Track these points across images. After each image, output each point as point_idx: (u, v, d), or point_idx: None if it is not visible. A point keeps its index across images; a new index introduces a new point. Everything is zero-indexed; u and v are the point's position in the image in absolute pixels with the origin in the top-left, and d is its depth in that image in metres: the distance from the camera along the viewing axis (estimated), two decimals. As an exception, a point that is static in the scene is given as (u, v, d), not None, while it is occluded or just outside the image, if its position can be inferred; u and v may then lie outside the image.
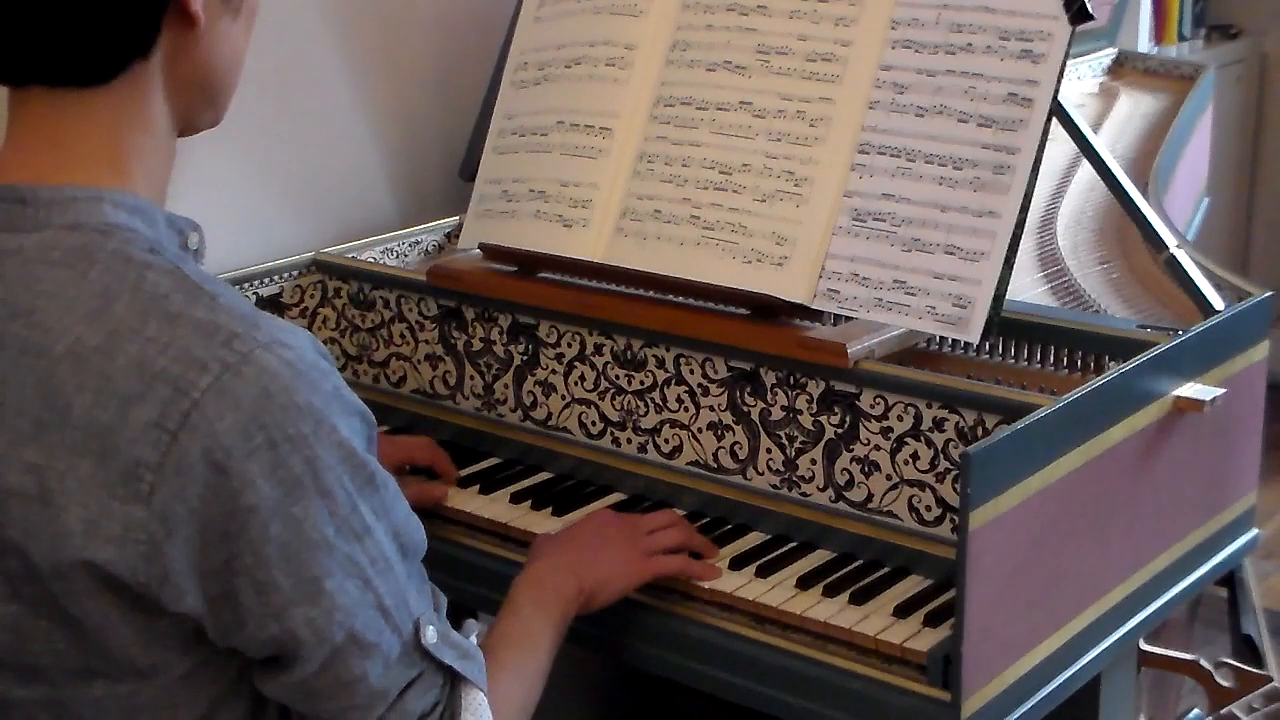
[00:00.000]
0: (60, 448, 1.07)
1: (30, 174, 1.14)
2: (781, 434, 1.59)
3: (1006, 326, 1.61)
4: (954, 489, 1.47)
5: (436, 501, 1.70)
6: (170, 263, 1.12)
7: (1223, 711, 1.65)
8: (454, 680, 1.21)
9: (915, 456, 1.50)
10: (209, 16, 1.16)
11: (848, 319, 1.60)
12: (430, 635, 1.18)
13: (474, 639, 1.26)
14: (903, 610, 1.44)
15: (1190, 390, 1.56)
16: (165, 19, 1.13)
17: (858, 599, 1.47)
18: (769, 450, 1.60)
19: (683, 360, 1.65)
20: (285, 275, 1.91)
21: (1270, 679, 1.78)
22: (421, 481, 1.73)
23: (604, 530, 1.53)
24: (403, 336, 1.88)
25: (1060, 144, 1.92)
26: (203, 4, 1.15)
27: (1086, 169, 2.14)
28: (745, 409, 1.61)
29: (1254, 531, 1.77)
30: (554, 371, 1.75)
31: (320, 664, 1.12)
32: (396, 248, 2.00)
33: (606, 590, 1.47)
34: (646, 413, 1.69)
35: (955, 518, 1.46)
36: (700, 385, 1.64)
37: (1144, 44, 3.77)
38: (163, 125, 1.18)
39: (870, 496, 1.54)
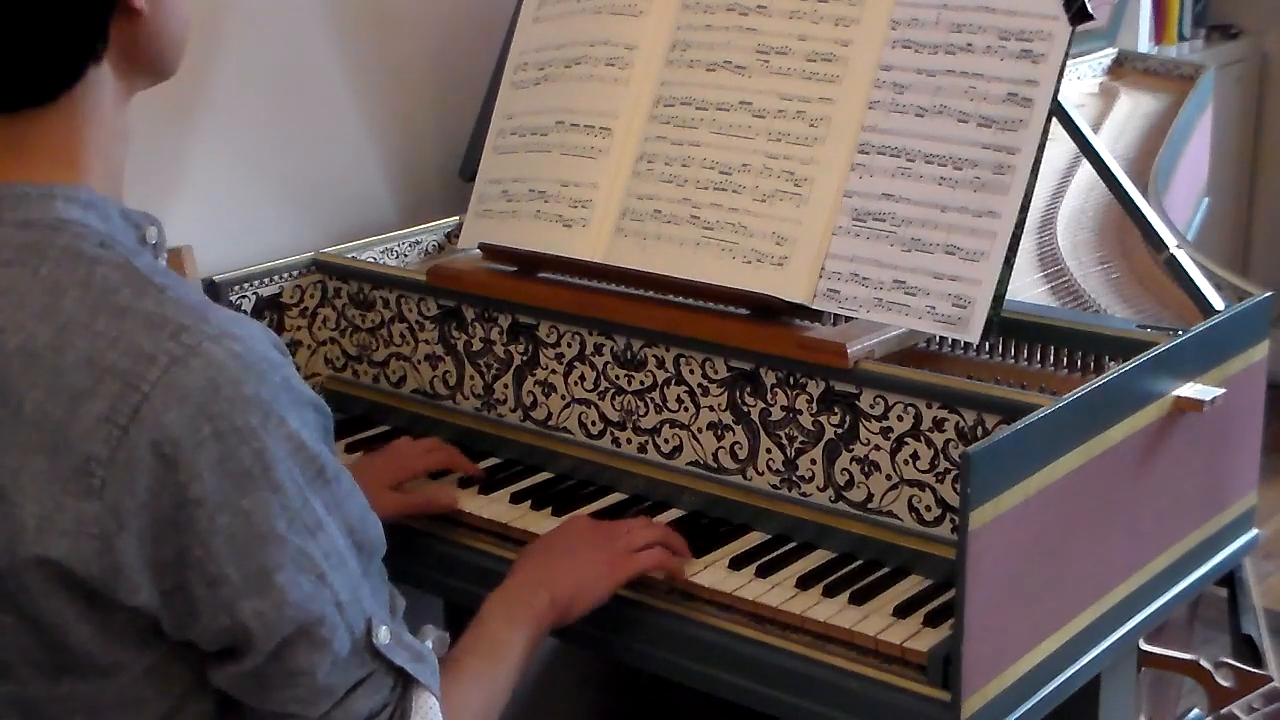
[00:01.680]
0: (13, 444, 1.08)
1: None
2: (781, 434, 1.59)
3: (1006, 326, 1.61)
4: (954, 489, 1.47)
5: (448, 508, 1.68)
6: (121, 256, 1.12)
7: (1223, 711, 1.65)
8: (405, 682, 1.20)
9: (915, 456, 1.50)
10: (151, 2, 1.15)
11: (848, 319, 1.60)
12: (383, 635, 1.17)
13: (429, 644, 1.25)
14: (903, 610, 1.44)
15: (1190, 390, 1.56)
16: (112, 21, 1.13)
17: (857, 599, 1.47)
18: (769, 450, 1.60)
19: (683, 360, 1.65)
20: (285, 275, 1.91)
21: (1270, 679, 1.78)
22: (424, 487, 1.72)
23: (576, 537, 1.53)
24: (403, 336, 1.88)
25: (1060, 144, 1.92)
26: None
27: (1086, 169, 2.14)
28: (745, 409, 1.61)
29: (1254, 531, 1.77)
30: (554, 371, 1.75)
31: (268, 654, 1.12)
32: (396, 248, 2.01)
33: (584, 597, 1.47)
34: (646, 413, 1.69)
35: (955, 518, 1.46)
36: (700, 385, 1.64)
37: (1144, 44, 3.77)
38: (116, 112, 1.18)
39: (870, 496, 1.54)
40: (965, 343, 1.65)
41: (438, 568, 1.68)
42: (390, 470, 1.69)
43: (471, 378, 1.83)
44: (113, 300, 1.09)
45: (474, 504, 1.70)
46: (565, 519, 1.60)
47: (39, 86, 1.13)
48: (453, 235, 2.04)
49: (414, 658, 1.20)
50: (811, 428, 1.56)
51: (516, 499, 1.70)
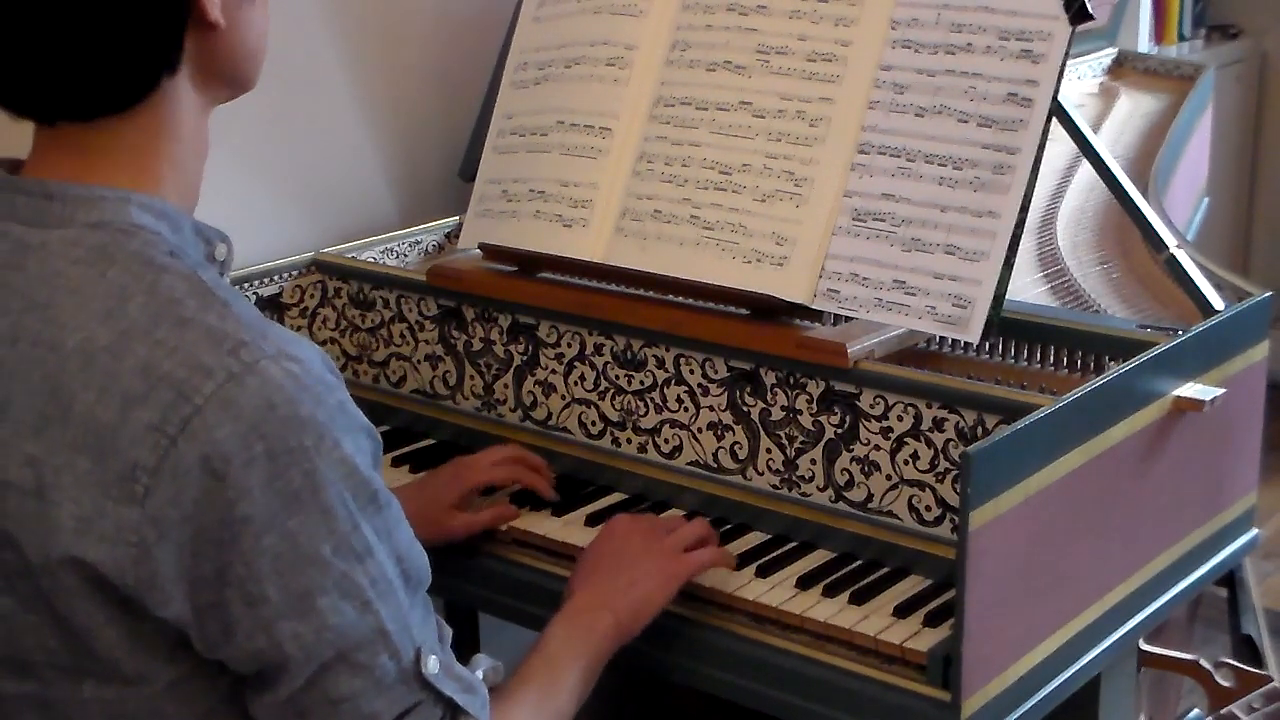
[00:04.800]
0: (60, 443, 1.07)
1: (59, 174, 1.14)
2: (781, 434, 1.59)
3: (1006, 326, 1.61)
4: (954, 489, 1.47)
5: (512, 519, 1.65)
6: (189, 268, 1.12)
7: (1223, 711, 1.65)
8: (454, 713, 1.18)
9: (915, 456, 1.50)
10: (228, 16, 1.15)
11: (848, 319, 1.60)
12: (432, 665, 1.15)
13: (480, 674, 1.23)
14: (903, 610, 1.44)
15: (1190, 390, 1.56)
16: (187, 32, 1.13)
17: (858, 599, 1.47)
18: (769, 450, 1.60)
19: (683, 360, 1.65)
20: (285, 275, 1.91)
21: (1270, 679, 1.78)
22: (485, 503, 1.68)
23: (628, 545, 1.49)
24: (403, 336, 1.88)
25: (1060, 144, 1.92)
26: (221, 7, 1.14)
27: (1086, 169, 2.14)
28: (745, 409, 1.61)
29: (1254, 531, 1.77)
30: (554, 371, 1.75)
31: (307, 679, 1.10)
32: (396, 248, 2.01)
33: (646, 611, 1.45)
34: (646, 413, 1.69)
35: (955, 518, 1.46)
36: (700, 385, 1.64)
37: (1144, 44, 3.77)
38: (193, 126, 1.18)
39: (870, 496, 1.54)
40: (965, 343, 1.65)
41: (437, 568, 1.67)
42: (454, 488, 1.65)
43: (471, 378, 1.83)
44: (176, 310, 1.08)
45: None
46: (607, 522, 1.55)
47: (114, 96, 1.12)
48: (453, 235, 2.04)
49: (464, 688, 1.18)
50: (811, 428, 1.56)
51: (517, 499, 1.70)
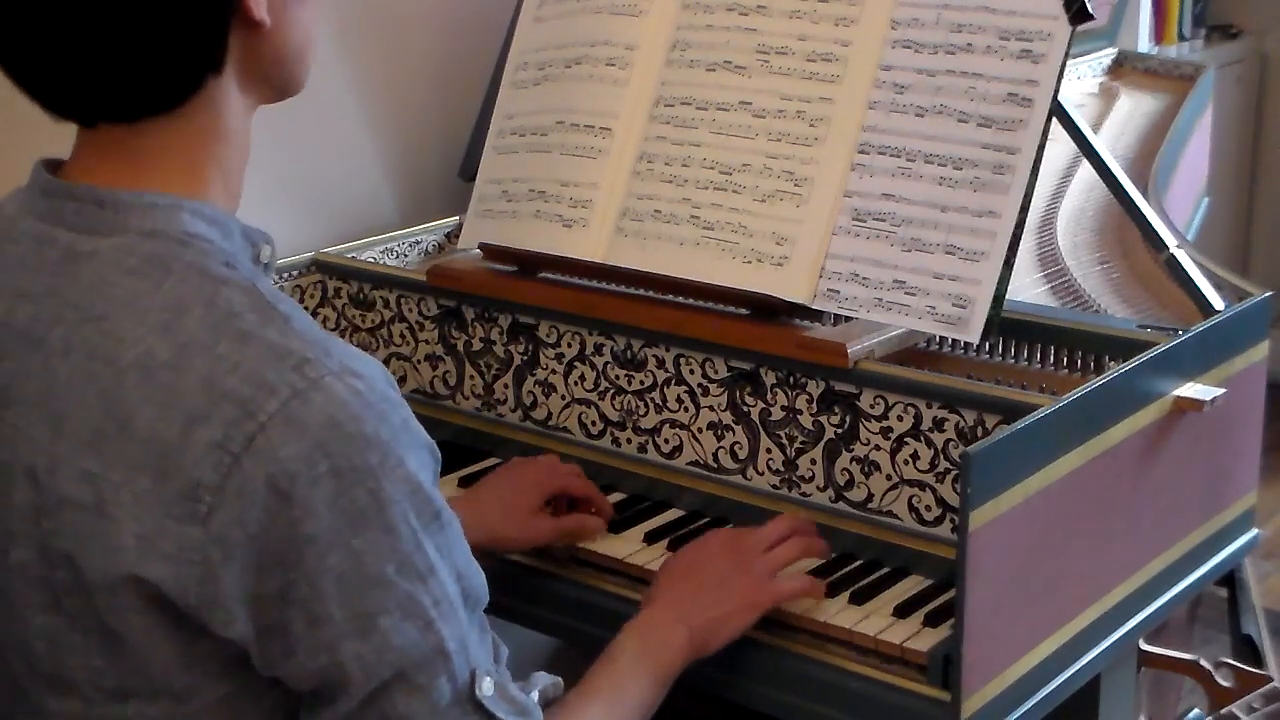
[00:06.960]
0: (119, 460, 1.05)
1: (106, 179, 1.12)
2: (781, 434, 1.59)
3: (1006, 326, 1.61)
4: (954, 489, 1.47)
5: (592, 537, 1.61)
6: (246, 279, 1.09)
7: (1223, 711, 1.64)
8: None
9: (915, 456, 1.50)
10: (275, 14, 1.13)
11: (848, 319, 1.60)
12: (486, 687, 1.13)
13: (538, 692, 1.21)
14: (903, 610, 1.44)
15: (1190, 390, 1.56)
16: (232, 31, 1.11)
17: (858, 599, 1.47)
18: (769, 450, 1.60)
19: (683, 360, 1.65)
20: (285, 275, 1.91)
21: (1270, 679, 1.78)
22: (571, 513, 1.63)
23: (716, 562, 1.46)
24: (403, 336, 1.89)
25: (1060, 144, 1.92)
26: (267, 6, 1.12)
27: (1086, 169, 2.14)
28: (745, 409, 1.61)
29: (1254, 531, 1.77)
30: (554, 371, 1.75)
31: (365, 697, 1.08)
32: (396, 248, 2.01)
33: (724, 632, 1.41)
34: (646, 413, 1.69)
35: (955, 518, 1.46)
36: (700, 385, 1.64)
37: (1144, 44, 3.77)
38: (239, 127, 1.16)
39: (870, 496, 1.54)
40: (965, 343, 1.65)
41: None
42: (540, 491, 1.61)
43: (471, 378, 1.83)
44: (236, 324, 1.05)
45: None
46: (703, 535, 1.52)
47: (158, 95, 1.10)
48: (453, 235, 2.04)
49: (517, 711, 1.15)
50: (811, 428, 1.56)
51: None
